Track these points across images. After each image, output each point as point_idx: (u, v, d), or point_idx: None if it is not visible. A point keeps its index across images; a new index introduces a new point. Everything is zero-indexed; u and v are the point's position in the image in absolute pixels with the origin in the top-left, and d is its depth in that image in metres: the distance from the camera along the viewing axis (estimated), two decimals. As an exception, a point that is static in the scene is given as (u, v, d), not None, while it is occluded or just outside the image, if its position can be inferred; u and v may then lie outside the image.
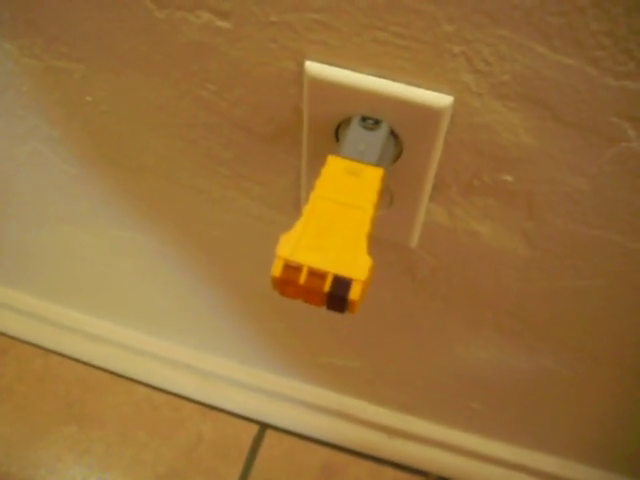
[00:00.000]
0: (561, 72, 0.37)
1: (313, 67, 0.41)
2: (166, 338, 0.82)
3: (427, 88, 0.40)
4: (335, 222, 0.37)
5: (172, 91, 0.49)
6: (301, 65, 0.42)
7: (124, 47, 0.47)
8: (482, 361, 0.62)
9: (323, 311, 0.65)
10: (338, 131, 0.44)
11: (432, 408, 0.73)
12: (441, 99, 0.40)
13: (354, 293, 0.35)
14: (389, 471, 0.77)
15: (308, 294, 0.36)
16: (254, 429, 0.80)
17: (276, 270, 0.36)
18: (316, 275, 0.35)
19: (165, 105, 0.50)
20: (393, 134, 0.42)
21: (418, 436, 0.76)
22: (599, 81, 0.37)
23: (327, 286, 0.35)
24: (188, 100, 0.49)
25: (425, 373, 0.68)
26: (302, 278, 0.35)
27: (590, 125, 0.39)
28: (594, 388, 0.61)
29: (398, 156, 0.44)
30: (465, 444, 0.74)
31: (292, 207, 0.54)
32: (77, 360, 0.86)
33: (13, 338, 0.88)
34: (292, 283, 0.36)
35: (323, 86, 0.42)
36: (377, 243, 0.53)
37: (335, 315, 0.65)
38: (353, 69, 0.41)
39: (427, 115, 0.41)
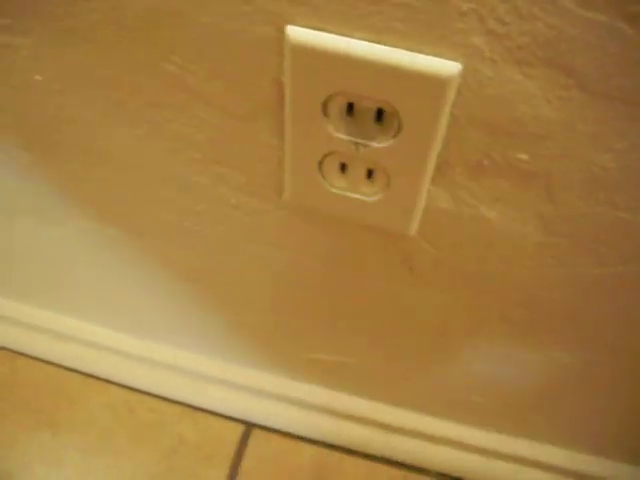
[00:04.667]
0: (590, 31, 0.31)
1: (295, 32, 0.35)
2: (141, 335, 0.77)
3: (430, 54, 0.34)
4: None
5: (131, 66, 0.42)
6: (281, 31, 0.36)
7: (72, 16, 0.41)
8: (485, 354, 0.57)
9: (313, 303, 0.60)
10: (326, 106, 0.38)
11: (430, 402, 0.68)
12: (447, 67, 0.34)
13: None
14: (384, 468, 0.72)
15: None
16: (239, 429, 0.75)
17: None
18: None
19: (124, 83, 0.44)
20: (390, 107, 0.36)
21: (414, 431, 0.71)
22: (635, 41, 0.31)
23: None
24: (150, 76, 0.42)
25: (424, 368, 0.63)
26: None
27: (621, 94, 0.34)
28: (607, 379, 0.56)
29: (396, 133, 0.38)
30: (465, 438, 0.70)
31: (274, 194, 0.48)
32: (46, 362, 0.80)
33: (-26, 340, 0.81)
34: None
35: (307, 54, 0.36)
36: (371, 230, 0.48)
37: (327, 308, 0.59)
38: (342, 34, 0.35)
39: (430, 86, 0.35)
